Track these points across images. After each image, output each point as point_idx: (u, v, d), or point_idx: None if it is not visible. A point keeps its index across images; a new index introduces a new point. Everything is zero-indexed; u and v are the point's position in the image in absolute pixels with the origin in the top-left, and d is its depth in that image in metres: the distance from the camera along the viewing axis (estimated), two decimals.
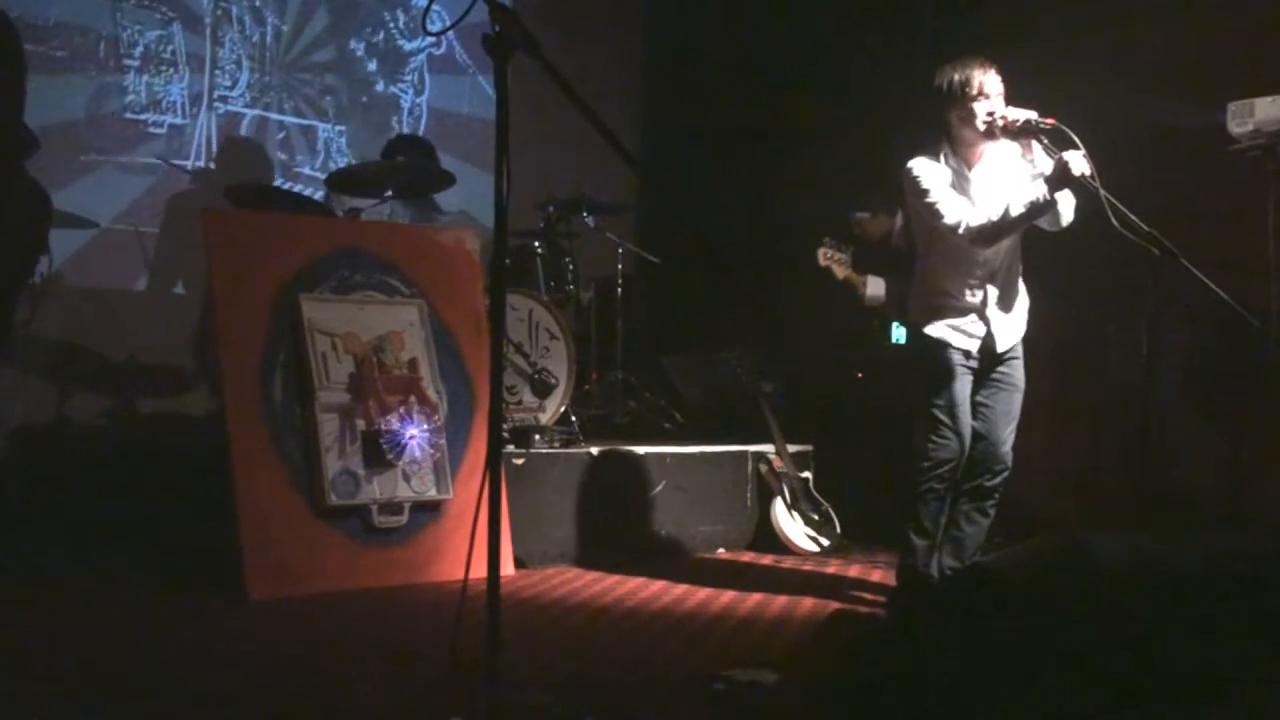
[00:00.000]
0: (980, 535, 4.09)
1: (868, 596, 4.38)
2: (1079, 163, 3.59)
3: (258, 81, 6.45)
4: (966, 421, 3.97)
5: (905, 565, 4.07)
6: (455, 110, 7.22)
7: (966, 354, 3.96)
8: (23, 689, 2.95)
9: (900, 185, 4.04)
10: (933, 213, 3.88)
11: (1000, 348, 3.97)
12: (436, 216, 6.11)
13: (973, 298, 3.95)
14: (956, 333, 3.96)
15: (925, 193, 3.90)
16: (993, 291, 3.95)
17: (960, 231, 3.82)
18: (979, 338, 3.96)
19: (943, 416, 3.94)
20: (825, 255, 5.37)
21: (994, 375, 4.01)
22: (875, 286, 5.35)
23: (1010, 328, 4.00)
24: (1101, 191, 3.58)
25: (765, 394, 5.74)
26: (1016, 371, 4.02)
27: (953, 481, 4.00)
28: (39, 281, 5.10)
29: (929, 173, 3.92)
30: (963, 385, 3.96)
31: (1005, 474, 4.05)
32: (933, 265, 4.02)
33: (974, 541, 4.06)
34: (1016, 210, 3.73)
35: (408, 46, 7.07)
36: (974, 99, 3.82)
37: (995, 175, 3.91)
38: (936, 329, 3.97)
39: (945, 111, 3.90)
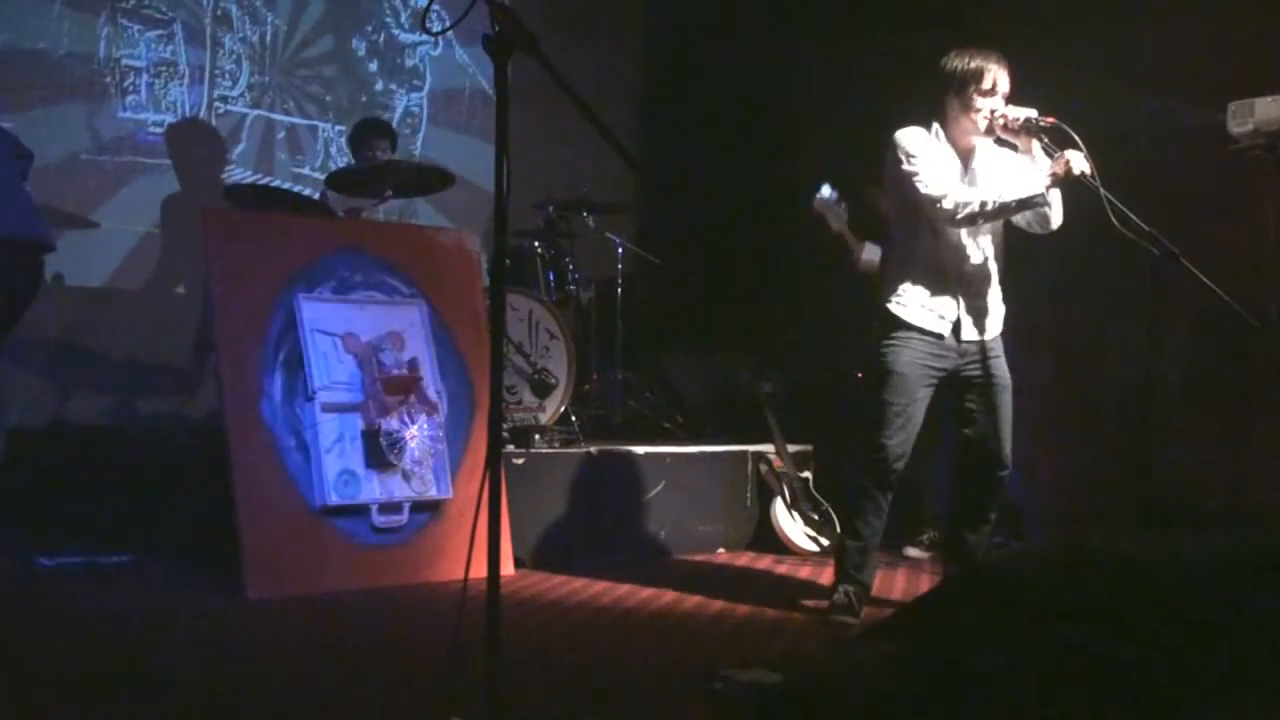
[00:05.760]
0: (985, 540, 4.03)
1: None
2: (1079, 161, 3.56)
3: (258, 81, 6.45)
4: (917, 422, 3.84)
5: (839, 567, 3.99)
6: (455, 108, 7.23)
7: (939, 338, 3.82)
8: (23, 689, 2.95)
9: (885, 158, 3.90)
10: (913, 182, 3.75)
11: (965, 335, 3.84)
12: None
13: (946, 281, 3.83)
14: (928, 313, 3.83)
15: (911, 158, 3.77)
16: (969, 275, 3.84)
17: (945, 204, 3.70)
18: (951, 321, 3.84)
19: (892, 413, 3.80)
20: (820, 202, 5.10)
21: (977, 376, 3.87)
22: (871, 252, 5.14)
23: (983, 317, 3.87)
24: (1101, 191, 3.57)
25: (765, 394, 5.73)
26: (999, 369, 3.89)
27: (892, 483, 3.89)
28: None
29: (918, 142, 3.80)
30: (923, 385, 3.83)
31: (1006, 476, 3.95)
32: (907, 245, 3.91)
33: (980, 548, 3.99)
34: (1009, 198, 3.66)
35: (407, 45, 7.07)
36: (982, 93, 3.73)
37: (993, 164, 3.86)
38: (906, 310, 3.84)
39: (946, 94, 3.79)
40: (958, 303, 3.85)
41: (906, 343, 3.84)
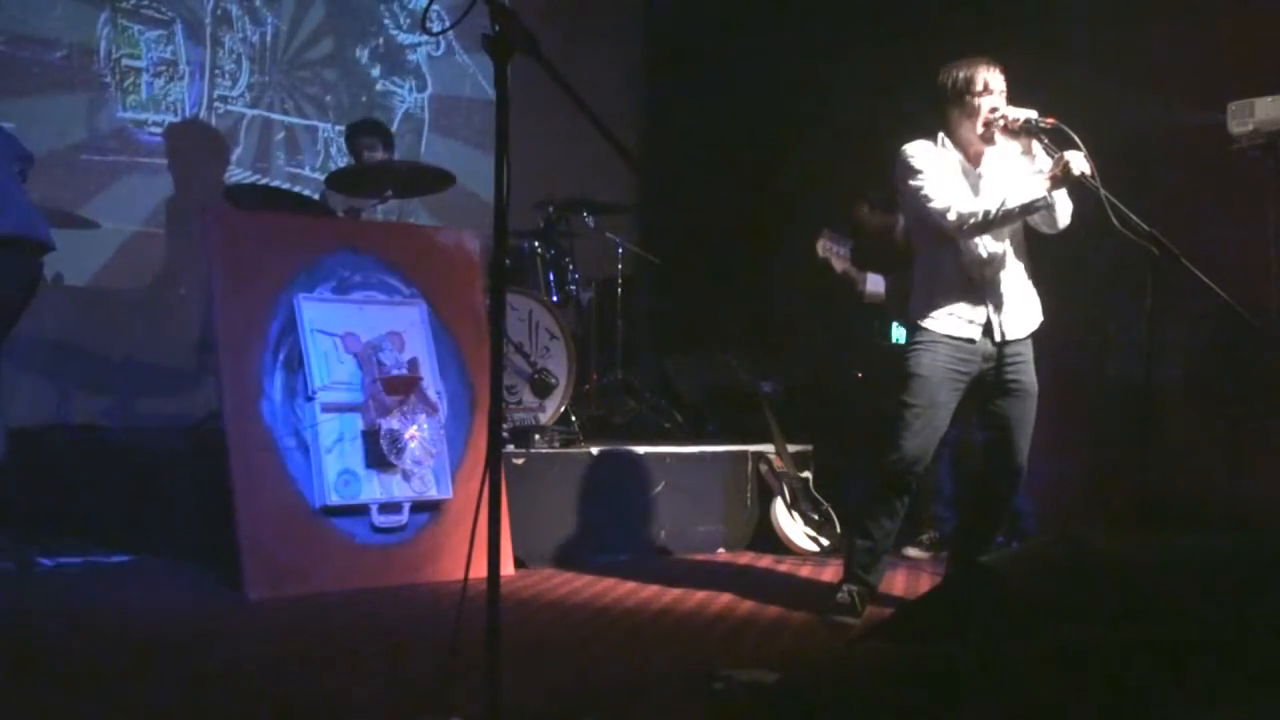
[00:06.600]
0: (989, 546, 4.05)
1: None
2: (1079, 162, 3.57)
3: (258, 81, 6.46)
4: (938, 427, 3.86)
5: (846, 566, 4.01)
6: (455, 108, 7.23)
7: (969, 342, 3.84)
8: (23, 689, 2.95)
9: (894, 173, 3.96)
10: (920, 196, 3.81)
11: (997, 336, 3.85)
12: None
13: (972, 285, 3.86)
14: (957, 320, 3.85)
15: (916, 173, 3.82)
16: (993, 278, 3.86)
17: (950, 217, 3.74)
18: (980, 324, 3.85)
19: (911, 415, 3.82)
20: (824, 247, 5.22)
21: (1004, 381, 3.88)
22: (874, 284, 5.26)
23: (1014, 317, 3.88)
24: (1101, 191, 3.57)
25: (765, 394, 5.73)
26: (1026, 375, 3.90)
27: (907, 485, 3.91)
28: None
29: (924, 156, 3.85)
30: (946, 389, 3.84)
31: (1019, 484, 3.97)
32: (930, 256, 3.94)
33: (982, 553, 4.00)
34: (1012, 204, 3.68)
35: (407, 45, 7.07)
36: (977, 96, 3.78)
37: (1002, 171, 3.87)
38: (935, 320, 3.87)
39: (947, 107, 3.85)
40: (986, 305, 3.86)
41: (931, 347, 3.87)
